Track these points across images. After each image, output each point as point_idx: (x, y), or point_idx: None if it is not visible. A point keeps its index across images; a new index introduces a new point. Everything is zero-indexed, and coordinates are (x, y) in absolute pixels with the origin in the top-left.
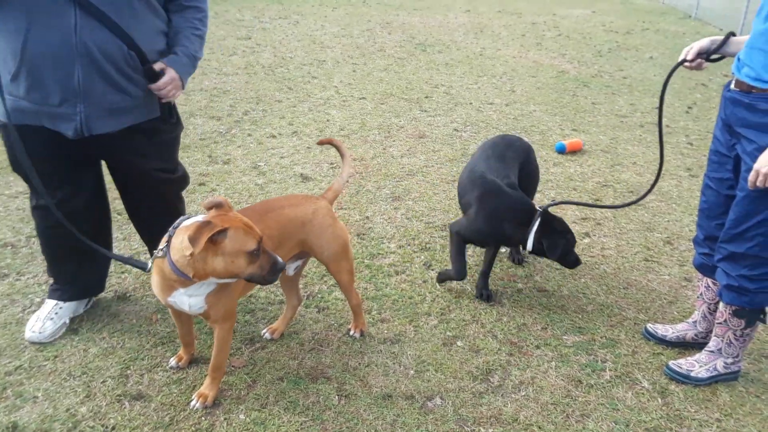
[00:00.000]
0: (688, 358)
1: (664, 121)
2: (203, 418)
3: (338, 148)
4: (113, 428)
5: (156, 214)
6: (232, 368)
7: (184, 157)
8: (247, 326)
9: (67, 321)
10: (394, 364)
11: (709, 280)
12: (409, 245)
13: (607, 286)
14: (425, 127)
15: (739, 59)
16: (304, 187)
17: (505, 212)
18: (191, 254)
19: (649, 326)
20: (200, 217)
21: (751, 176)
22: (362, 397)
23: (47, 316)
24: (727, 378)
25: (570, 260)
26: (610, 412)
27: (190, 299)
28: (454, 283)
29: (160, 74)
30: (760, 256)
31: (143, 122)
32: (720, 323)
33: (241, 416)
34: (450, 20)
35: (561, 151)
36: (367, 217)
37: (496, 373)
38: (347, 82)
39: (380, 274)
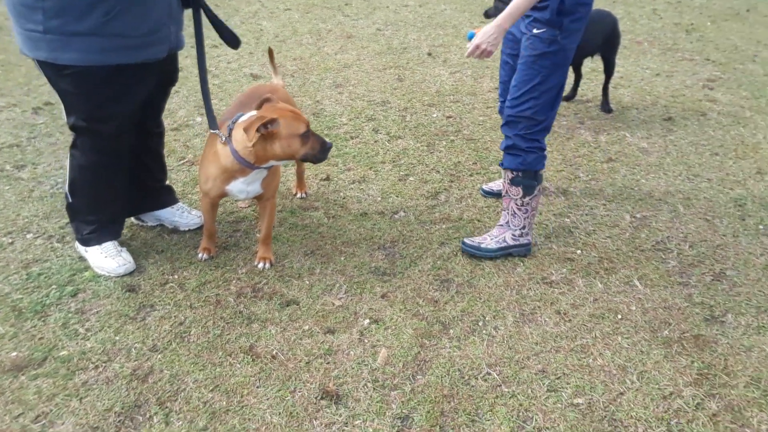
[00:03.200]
0: (484, 234)
1: None
2: (229, 237)
3: (272, 62)
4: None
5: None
6: (240, 208)
7: None
8: None
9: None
10: (363, 195)
11: None
12: (357, 118)
13: None
14: (351, 29)
15: None
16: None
17: None
18: (252, 144)
19: (484, 186)
20: (253, 113)
21: (470, 48)
22: (345, 216)
23: (117, 251)
24: (518, 251)
25: None
26: None
27: (248, 186)
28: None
29: None
30: (533, 118)
31: None
32: (504, 196)
33: (257, 234)
34: None
35: (472, 38)
36: (317, 101)
37: (442, 194)
38: None
39: (338, 139)
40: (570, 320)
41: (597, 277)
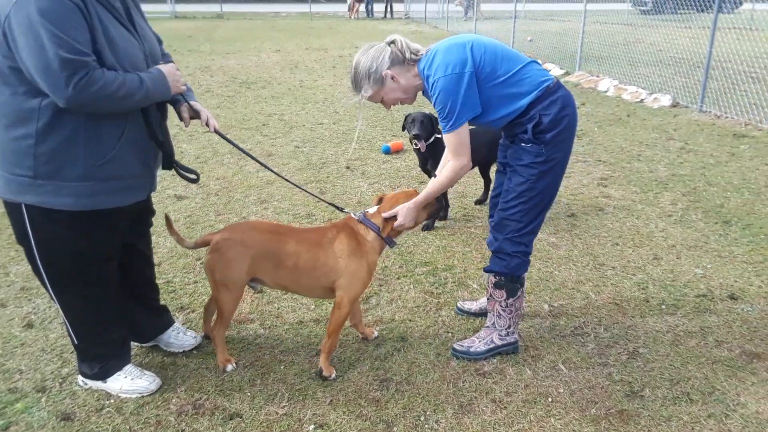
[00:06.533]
0: (472, 336)
1: None
2: (165, 357)
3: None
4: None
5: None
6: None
7: None
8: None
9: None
10: (297, 304)
11: None
12: None
13: (440, 235)
14: (270, 148)
15: None
16: (181, 205)
17: None
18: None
19: (459, 304)
20: (374, 208)
21: (397, 225)
22: (281, 326)
23: (140, 370)
24: (506, 349)
25: None
26: (454, 304)
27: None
28: None
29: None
30: (521, 221)
31: None
32: (489, 298)
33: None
34: (264, 60)
35: (387, 152)
36: (244, 217)
37: (372, 298)
38: None
39: None
40: (506, 407)
41: (525, 364)
